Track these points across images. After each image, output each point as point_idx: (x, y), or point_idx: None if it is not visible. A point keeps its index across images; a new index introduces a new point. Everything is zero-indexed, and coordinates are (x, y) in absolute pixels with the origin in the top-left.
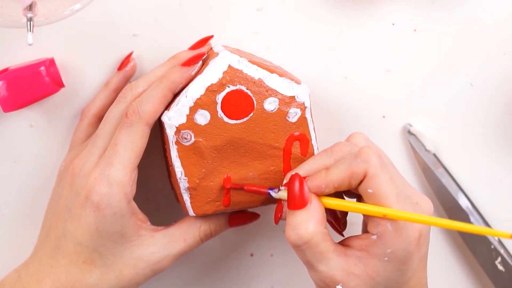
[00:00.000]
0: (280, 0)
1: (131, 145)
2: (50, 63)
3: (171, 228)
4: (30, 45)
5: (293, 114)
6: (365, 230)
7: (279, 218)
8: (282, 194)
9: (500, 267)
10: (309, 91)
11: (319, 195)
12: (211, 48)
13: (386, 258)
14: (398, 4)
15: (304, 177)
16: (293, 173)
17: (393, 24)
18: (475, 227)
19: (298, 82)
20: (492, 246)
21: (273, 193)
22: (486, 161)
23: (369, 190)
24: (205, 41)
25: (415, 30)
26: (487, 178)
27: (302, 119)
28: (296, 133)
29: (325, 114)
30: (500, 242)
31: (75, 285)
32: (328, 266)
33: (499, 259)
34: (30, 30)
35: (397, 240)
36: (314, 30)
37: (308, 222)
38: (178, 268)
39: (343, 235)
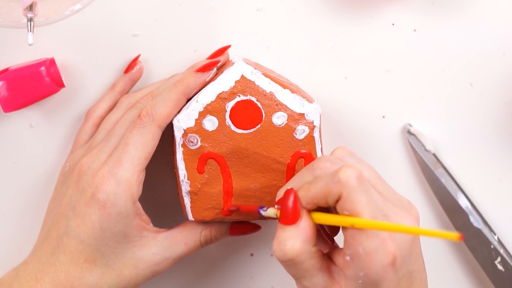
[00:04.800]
0: (280, 0)
1: (142, 146)
2: (50, 63)
3: (172, 231)
4: (30, 45)
5: (301, 131)
6: None
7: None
8: (270, 212)
9: (500, 267)
10: (321, 111)
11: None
12: (230, 60)
13: (360, 281)
14: (398, 4)
15: None
16: (284, 189)
17: (393, 24)
18: (424, 231)
19: (310, 100)
20: (492, 246)
21: (263, 212)
22: (485, 161)
23: (345, 212)
24: (222, 50)
25: (415, 30)
26: (486, 178)
27: (310, 138)
28: (303, 151)
29: (325, 114)
30: (499, 242)
31: (74, 284)
32: (311, 282)
33: (499, 259)
34: (30, 30)
35: (368, 264)
36: (314, 30)
37: (295, 240)
38: (178, 268)
39: (333, 242)
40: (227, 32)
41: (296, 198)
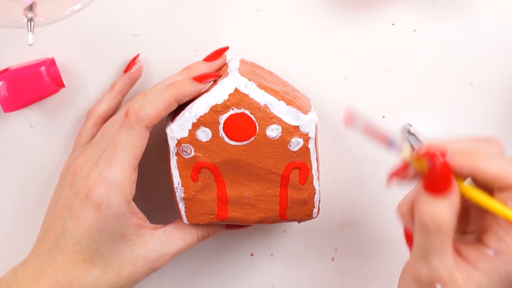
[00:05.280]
0: (280, 0)
1: (130, 147)
2: (50, 63)
3: (169, 226)
4: (30, 45)
5: (295, 144)
6: (471, 238)
7: (392, 179)
8: (405, 151)
9: None
10: (317, 120)
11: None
12: (226, 63)
13: (496, 277)
14: (398, 4)
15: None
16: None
17: (393, 24)
18: None
19: (306, 111)
20: None
21: (394, 147)
22: None
23: (510, 204)
24: (220, 52)
25: (415, 30)
26: None
27: (304, 149)
28: (297, 161)
29: (325, 114)
30: None
31: (73, 284)
32: (440, 261)
33: None
34: (30, 30)
35: None
36: (314, 30)
37: (446, 212)
38: (178, 267)
39: None
40: (227, 32)
41: (449, 170)
